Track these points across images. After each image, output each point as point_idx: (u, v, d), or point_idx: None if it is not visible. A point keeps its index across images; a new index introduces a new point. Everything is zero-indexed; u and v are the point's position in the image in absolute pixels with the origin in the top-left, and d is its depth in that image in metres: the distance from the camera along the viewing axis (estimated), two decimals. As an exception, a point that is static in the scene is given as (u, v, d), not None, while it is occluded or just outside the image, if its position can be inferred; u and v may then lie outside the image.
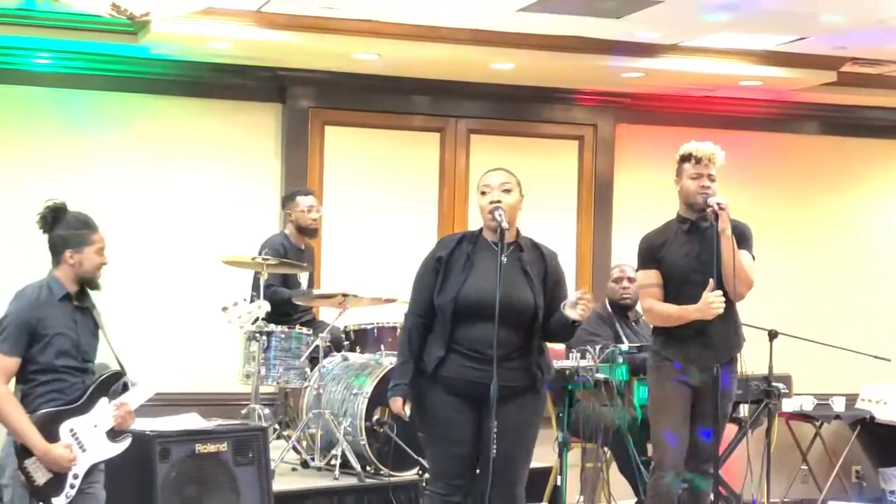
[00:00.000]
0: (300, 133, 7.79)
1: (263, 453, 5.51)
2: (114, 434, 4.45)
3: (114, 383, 4.49)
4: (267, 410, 6.54)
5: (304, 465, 6.38)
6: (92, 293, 4.54)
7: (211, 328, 6.74)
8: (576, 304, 4.58)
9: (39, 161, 7.28)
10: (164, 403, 5.96)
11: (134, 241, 7.43)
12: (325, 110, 7.87)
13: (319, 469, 6.29)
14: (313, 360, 6.54)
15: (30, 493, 4.29)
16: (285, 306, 6.79)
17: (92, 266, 4.46)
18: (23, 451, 4.28)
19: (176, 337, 7.38)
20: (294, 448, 6.41)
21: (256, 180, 7.72)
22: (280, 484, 5.87)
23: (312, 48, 7.00)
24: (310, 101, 7.81)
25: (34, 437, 4.26)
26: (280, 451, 6.26)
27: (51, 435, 4.30)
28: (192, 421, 5.46)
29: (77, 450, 4.34)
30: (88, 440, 4.38)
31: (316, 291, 7.08)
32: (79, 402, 4.38)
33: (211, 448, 5.30)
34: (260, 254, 6.67)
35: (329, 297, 6.65)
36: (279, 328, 6.55)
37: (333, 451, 6.21)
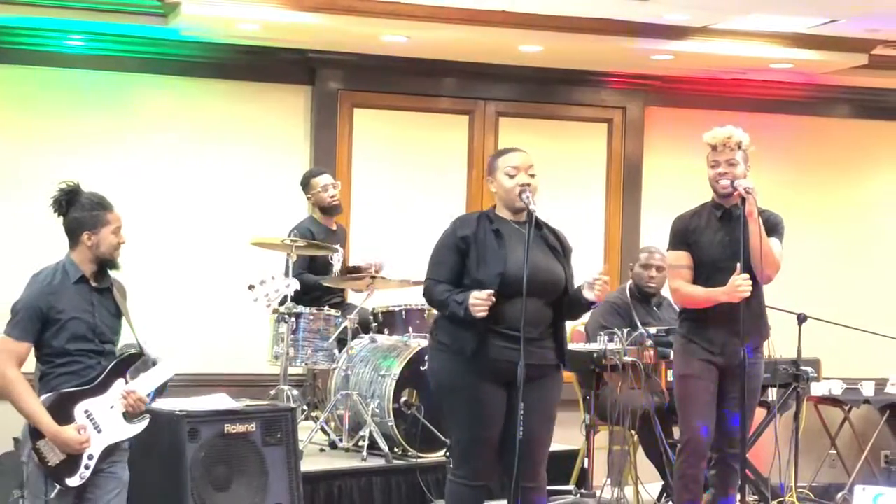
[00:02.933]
0: (329, 115, 7.80)
1: (292, 434, 5.53)
2: (132, 414, 4.45)
3: (132, 364, 4.49)
4: (295, 391, 6.57)
5: (332, 446, 6.42)
6: (117, 273, 4.53)
7: (240, 310, 6.78)
8: (593, 285, 4.58)
9: (71, 142, 7.32)
10: (194, 384, 6.03)
11: (165, 223, 7.47)
12: (354, 92, 7.88)
13: (347, 450, 6.32)
14: (341, 342, 6.56)
15: (44, 474, 4.31)
16: (314, 290, 6.81)
17: (109, 246, 4.45)
18: (35, 433, 4.31)
19: (205, 318, 7.43)
20: (322, 429, 6.44)
21: (286, 162, 7.74)
22: (308, 464, 5.90)
23: (341, 30, 7.01)
24: (339, 83, 7.82)
25: (44, 420, 4.28)
26: (308, 432, 6.30)
27: (66, 416, 4.32)
28: (221, 401, 5.49)
29: (92, 431, 4.35)
30: (104, 421, 4.38)
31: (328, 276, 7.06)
32: (95, 384, 4.39)
33: (240, 428, 5.33)
34: (289, 237, 6.70)
35: (357, 280, 6.67)
36: (308, 310, 6.57)
37: (361, 433, 6.25)
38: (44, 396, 4.34)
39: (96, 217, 4.44)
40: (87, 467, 4.35)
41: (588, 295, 4.60)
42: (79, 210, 4.43)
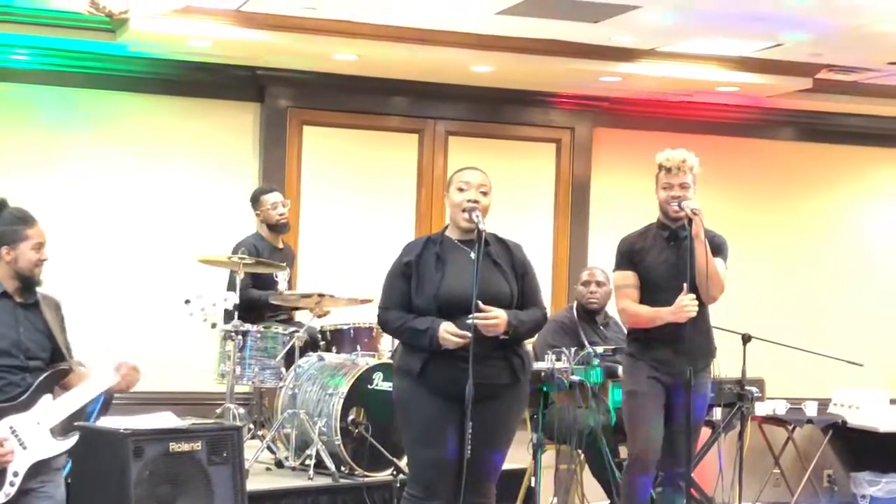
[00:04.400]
0: (278, 133, 7.79)
1: (238, 453, 5.48)
2: (61, 432, 4.39)
3: (59, 380, 4.44)
4: (242, 410, 6.53)
5: (279, 464, 6.38)
6: (42, 290, 4.46)
7: (186, 327, 6.73)
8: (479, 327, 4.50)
9: (14, 158, 7.25)
10: (139, 402, 5.98)
11: (110, 240, 7.41)
12: (304, 110, 7.87)
13: (294, 469, 6.29)
14: (289, 360, 6.54)
15: None
16: (259, 306, 6.79)
17: (28, 262, 4.39)
18: None
19: (150, 336, 7.36)
20: (269, 448, 6.41)
21: (234, 179, 7.71)
22: (254, 484, 5.86)
23: (292, 48, 7.00)
24: (288, 100, 7.81)
25: None
26: (254, 451, 6.25)
27: None
28: (166, 420, 5.43)
29: (17, 447, 4.28)
30: (29, 437, 4.32)
31: (291, 292, 7.08)
32: (20, 400, 4.33)
33: (185, 447, 5.27)
34: (234, 253, 6.67)
35: (305, 298, 6.65)
36: (255, 327, 6.54)
37: (308, 452, 6.21)
38: None
39: (15, 232, 4.38)
40: (11, 484, 4.28)
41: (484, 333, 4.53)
42: (0, 224, 4.38)
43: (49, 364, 4.49)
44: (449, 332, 4.50)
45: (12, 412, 4.31)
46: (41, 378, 4.39)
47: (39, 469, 4.35)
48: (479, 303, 4.50)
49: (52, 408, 4.38)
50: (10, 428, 4.30)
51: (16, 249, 4.37)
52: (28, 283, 4.43)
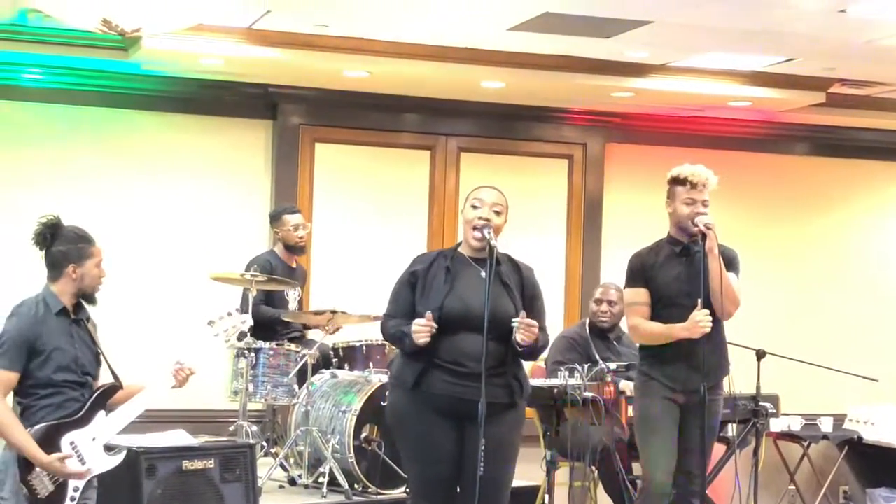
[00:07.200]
0: (290, 150, 7.80)
1: (251, 470, 5.49)
2: (109, 448, 4.47)
3: (111, 396, 4.53)
4: (255, 427, 6.53)
5: (292, 482, 6.37)
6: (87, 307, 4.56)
7: (199, 344, 6.69)
8: (518, 329, 4.52)
9: (29, 177, 7.28)
10: (152, 420, 5.95)
11: (123, 258, 7.39)
12: (316, 127, 7.88)
13: (307, 487, 6.27)
14: (301, 377, 6.53)
15: None
16: (271, 324, 6.78)
17: (92, 279, 4.51)
18: (25, 465, 4.31)
19: (164, 353, 7.34)
20: (281, 465, 6.40)
21: (246, 197, 7.72)
22: (267, 501, 5.86)
23: (303, 65, 7.02)
24: (300, 117, 7.83)
25: (35, 450, 4.29)
26: (267, 469, 6.25)
27: (52, 448, 4.34)
28: (179, 437, 5.45)
29: (77, 463, 4.37)
30: (88, 453, 4.42)
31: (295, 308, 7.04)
32: (78, 415, 4.42)
33: (198, 465, 5.28)
34: (247, 270, 6.67)
35: (317, 315, 6.64)
36: (268, 345, 6.54)
37: (321, 469, 6.20)
38: (32, 429, 4.35)
39: (82, 250, 4.49)
40: (72, 499, 4.38)
41: (517, 338, 4.53)
42: (63, 243, 4.47)
43: (94, 380, 4.58)
44: (416, 323, 4.48)
45: (72, 428, 4.40)
46: (96, 394, 4.48)
47: (87, 485, 4.45)
48: (523, 311, 4.50)
49: (107, 423, 4.48)
50: (72, 443, 4.39)
51: (82, 267, 4.47)
52: (88, 300, 4.54)
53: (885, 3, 5.84)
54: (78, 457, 4.38)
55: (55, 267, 4.48)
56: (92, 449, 4.42)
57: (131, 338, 7.23)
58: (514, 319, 4.49)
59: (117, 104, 7.49)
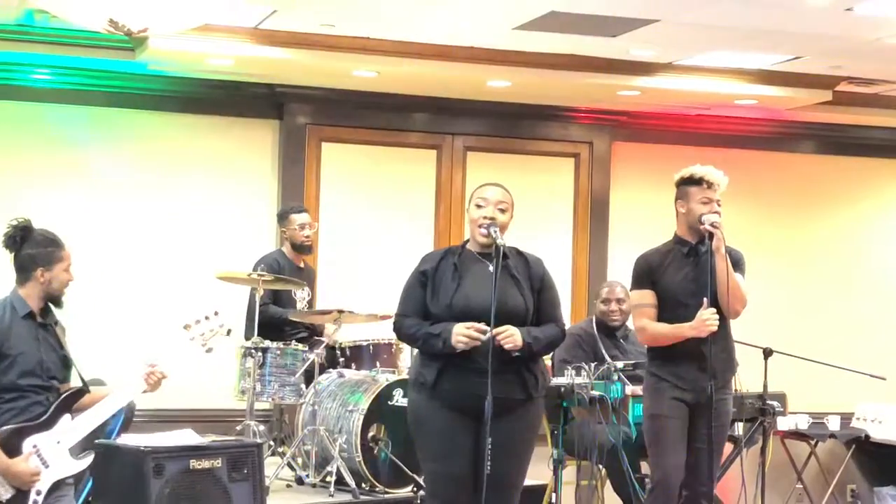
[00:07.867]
0: (297, 149, 7.80)
1: (258, 470, 5.48)
2: (77, 450, 4.46)
3: (77, 400, 4.51)
4: (262, 427, 6.54)
5: (299, 481, 6.37)
6: (58, 312, 4.56)
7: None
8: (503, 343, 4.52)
9: (37, 176, 7.29)
10: (159, 419, 5.99)
11: (130, 257, 7.44)
12: (323, 127, 7.89)
13: (314, 486, 6.28)
14: (308, 377, 6.54)
15: None
16: (278, 323, 6.79)
17: (60, 283, 4.50)
18: None
19: (171, 353, 7.36)
20: (289, 465, 6.40)
21: (253, 196, 7.73)
22: (274, 501, 5.86)
23: (310, 65, 7.02)
24: (307, 117, 7.83)
25: None
26: (275, 468, 6.25)
27: (14, 451, 4.32)
28: (186, 437, 5.44)
29: (40, 466, 4.35)
30: (51, 456, 4.39)
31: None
32: (42, 419, 4.40)
33: (205, 464, 5.27)
34: (255, 270, 6.67)
35: (324, 314, 6.65)
36: (275, 345, 6.55)
37: (328, 468, 6.21)
38: None
39: (51, 254, 4.48)
40: (35, 503, 4.33)
41: (507, 348, 4.52)
42: (32, 246, 4.47)
43: (61, 384, 4.55)
44: (460, 332, 4.48)
45: (35, 431, 4.37)
46: (61, 398, 4.46)
47: (56, 486, 4.42)
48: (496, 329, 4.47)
49: (72, 427, 4.45)
50: (34, 447, 4.36)
51: (50, 271, 4.47)
52: (55, 303, 4.53)
53: (892, 0, 5.83)
54: (41, 460, 4.36)
55: (24, 270, 4.48)
56: (56, 452, 4.40)
57: (138, 338, 7.23)
58: (487, 331, 4.46)
59: (125, 104, 7.51)
